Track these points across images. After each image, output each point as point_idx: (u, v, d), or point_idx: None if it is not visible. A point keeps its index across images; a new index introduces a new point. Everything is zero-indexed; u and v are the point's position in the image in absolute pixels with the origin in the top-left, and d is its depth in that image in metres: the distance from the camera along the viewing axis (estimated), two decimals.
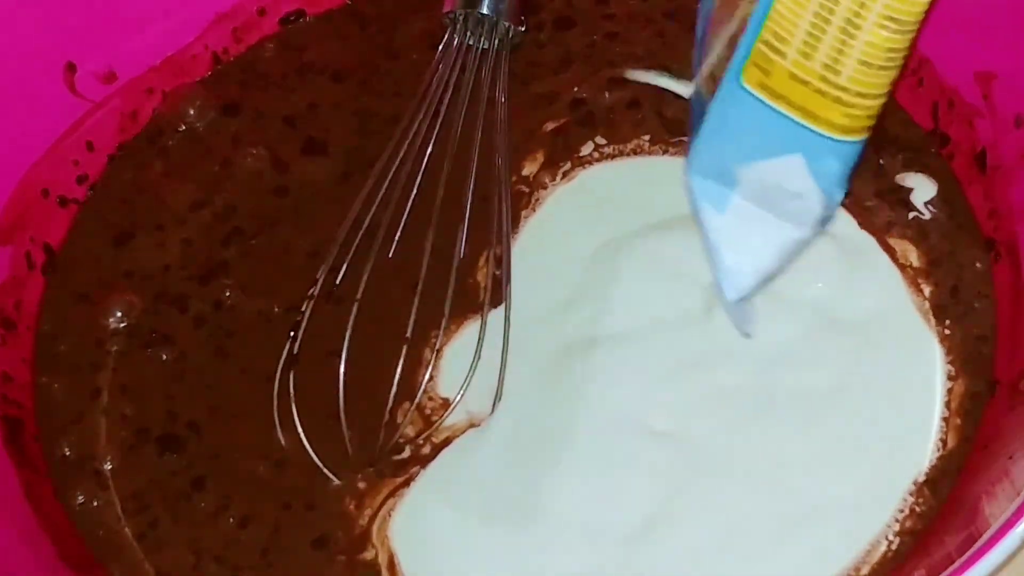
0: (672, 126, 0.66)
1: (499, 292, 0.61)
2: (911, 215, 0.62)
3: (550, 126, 0.67)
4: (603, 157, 0.66)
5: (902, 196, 0.63)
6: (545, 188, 0.65)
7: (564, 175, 0.65)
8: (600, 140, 0.66)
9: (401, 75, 0.69)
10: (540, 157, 0.66)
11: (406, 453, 0.59)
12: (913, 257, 0.61)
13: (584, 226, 0.64)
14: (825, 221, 0.57)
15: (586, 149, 0.66)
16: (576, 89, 0.68)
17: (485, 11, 0.65)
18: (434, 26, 0.68)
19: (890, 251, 0.61)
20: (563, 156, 0.66)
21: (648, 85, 0.67)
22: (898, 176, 0.63)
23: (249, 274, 0.64)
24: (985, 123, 0.61)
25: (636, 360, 0.60)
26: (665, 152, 0.65)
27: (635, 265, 0.62)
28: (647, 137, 0.66)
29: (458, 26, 0.66)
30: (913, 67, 0.63)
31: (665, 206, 0.63)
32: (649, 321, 0.60)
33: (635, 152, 0.65)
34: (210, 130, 0.69)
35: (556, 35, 0.70)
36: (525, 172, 0.66)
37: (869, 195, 0.62)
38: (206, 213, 0.66)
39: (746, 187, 0.56)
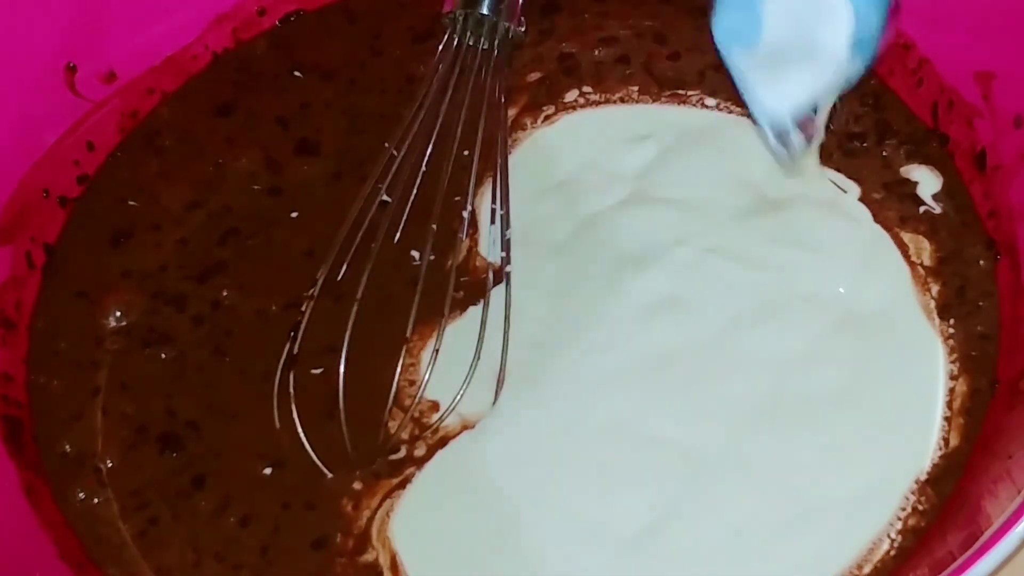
0: (662, 80, 0.66)
1: (499, 279, 0.62)
2: (922, 209, 0.62)
3: (534, 76, 0.67)
4: (588, 104, 0.66)
5: (909, 190, 0.63)
6: (524, 129, 0.65)
7: (547, 118, 0.64)
8: (586, 88, 0.66)
9: (386, 72, 0.69)
10: (523, 101, 0.66)
11: (401, 453, 0.59)
12: (925, 255, 0.61)
13: (562, 167, 0.64)
14: (864, 47, 0.56)
15: (571, 96, 0.66)
16: (564, 45, 0.68)
17: (485, 11, 0.65)
18: (420, 22, 0.69)
19: (903, 247, 0.61)
20: (546, 100, 0.66)
21: (638, 41, 0.67)
22: (903, 168, 0.63)
23: (246, 273, 0.64)
24: (985, 123, 0.61)
25: (636, 363, 0.60)
26: (655, 101, 0.65)
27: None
28: (635, 88, 0.66)
29: (458, 26, 0.66)
30: (913, 67, 0.64)
31: (651, 148, 0.63)
32: (650, 323, 0.60)
33: (623, 100, 0.64)
34: (204, 131, 0.69)
35: (544, 19, 0.69)
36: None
37: (877, 187, 0.63)
38: (201, 213, 0.66)
39: (774, 20, 0.56)
